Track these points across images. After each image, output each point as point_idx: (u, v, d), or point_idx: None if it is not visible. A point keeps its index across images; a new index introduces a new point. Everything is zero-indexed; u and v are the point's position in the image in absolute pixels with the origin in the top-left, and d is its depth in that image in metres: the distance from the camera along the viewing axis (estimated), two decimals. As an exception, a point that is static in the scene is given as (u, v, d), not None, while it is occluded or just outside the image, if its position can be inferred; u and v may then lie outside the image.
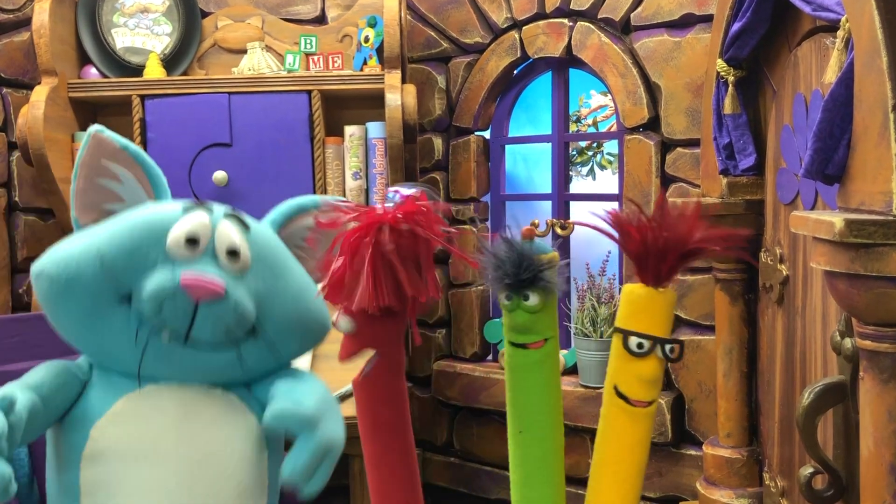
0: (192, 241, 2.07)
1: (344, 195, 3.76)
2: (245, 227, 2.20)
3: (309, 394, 2.14)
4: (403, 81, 3.73)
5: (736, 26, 2.69)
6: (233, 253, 2.12)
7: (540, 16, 3.80)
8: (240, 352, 2.14)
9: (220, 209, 2.19)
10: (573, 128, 5.02)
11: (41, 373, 2.10)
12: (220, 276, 2.06)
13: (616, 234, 2.10)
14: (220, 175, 3.63)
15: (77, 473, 2.07)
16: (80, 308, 2.06)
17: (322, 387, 2.23)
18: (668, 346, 2.02)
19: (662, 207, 2.02)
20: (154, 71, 3.78)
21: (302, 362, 2.80)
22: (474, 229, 4.06)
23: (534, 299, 1.98)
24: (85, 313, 2.07)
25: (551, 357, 2.09)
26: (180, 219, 2.10)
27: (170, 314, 2.02)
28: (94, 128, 2.17)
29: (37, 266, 2.09)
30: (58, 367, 2.13)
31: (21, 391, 1.98)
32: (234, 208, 2.24)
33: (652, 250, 2.02)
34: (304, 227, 2.40)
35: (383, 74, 3.69)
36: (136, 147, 2.21)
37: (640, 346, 2.02)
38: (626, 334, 2.05)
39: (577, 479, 3.68)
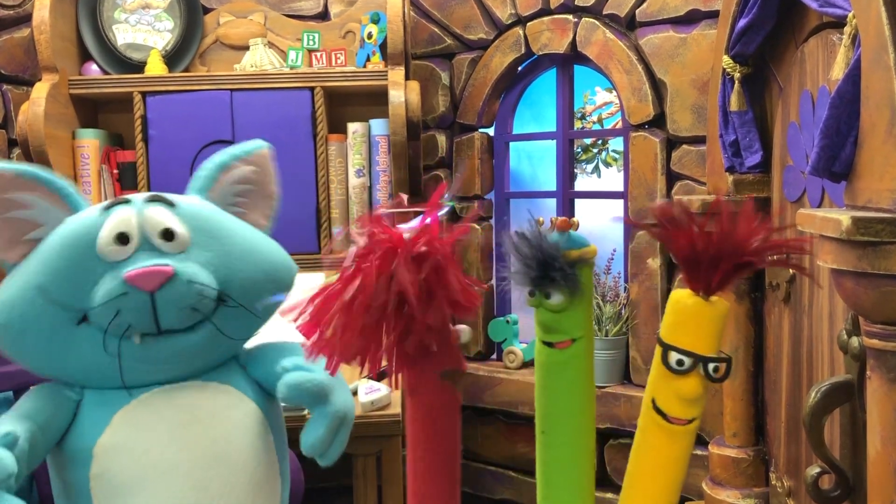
0: (121, 239, 2.05)
1: (347, 193, 3.76)
2: (170, 205, 2.17)
3: (318, 365, 2.14)
4: (407, 78, 3.73)
5: (742, 22, 2.69)
6: (167, 234, 2.10)
7: (544, 12, 3.80)
8: (215, 324, 2.14)
9: (139, 198, 2.17)
10: (578, 125, 5.03)
11: (34, 400, 2.10)
12: (164, 260, 2.05)
13: (663, 235, 1.92)
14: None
15: (88, 496, 2.07)
16: (42, 345, 2.06)
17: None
18: (711, 365, 1.85)
19: (719, 207, 1.88)
20: (155, 67, 3.78)
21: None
22: (478, 227, 4.06)
23: (556, 298, 1.88)
24: (48, 347, 2.06)
25: (579, 358, 2.00)
26: (103, 222, 2.08)
27: (129, 314, 2.01)
28: None
29: None
30: (50, 390, 2.14)
31: (18, 423, 1.98)
32: (156, 192, 2.22)
33: (703, 257, 1.83)
34: (230, 184, 2.36)
35: (387, 71, 3.69)
36: (30, 168, 2.11)
37: (679, 363, 1.87)
38: (666, 348, 1.90)
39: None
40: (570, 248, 1.88)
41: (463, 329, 1.82)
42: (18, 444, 1.90)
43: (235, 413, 2.19)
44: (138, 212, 2.10)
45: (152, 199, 2.16)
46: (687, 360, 1.85)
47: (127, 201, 2.14)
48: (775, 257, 1.88)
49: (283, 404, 2.34)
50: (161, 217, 2.11)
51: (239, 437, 2.16)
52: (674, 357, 1.87)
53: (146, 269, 2.00)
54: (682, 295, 1.90)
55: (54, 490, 2.19)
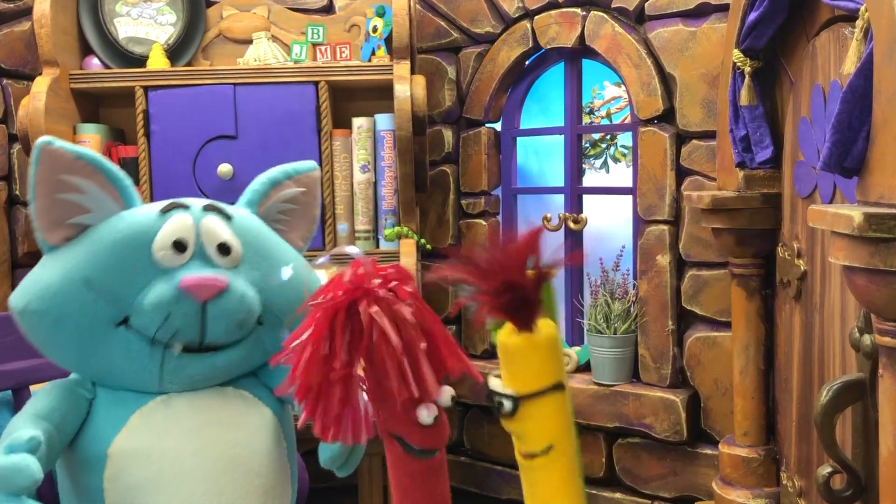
0: (179, 246, 2.08)
1: (352, 188, 3.77)
2: (227, 217, 2.21)
3: None
4: (413, 72, 3.74)
5: (752, 16, 2.70)
6: (223, 248, 2.14)
7: (552, 5, 3.80)
8: (258, 340, 2.18)
9: (197, 205, 2.19)
10: (586, 120, 5.02)
11: (48, 399, 2.09)
12: (217, 272, 2.08)
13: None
14: (225, 168, 3.64)
15: (102, 499, 2.07)
16: (76, 340, 2.06)
17: None
18: (496, 399, 1.67)
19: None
20: (158, 61, 3.79)
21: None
22: (485, 223, 4.07)
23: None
24: (81, 344, 2.07)
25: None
26: (161, 225, 2.09)
27: (178, 321, 2.03)
28: (42, 140, 2.05)
29: (18, 302, 2.07)
30: (63, 389, 2.13)
31: (37, 425, 1.98)
32: (212, 201, 2.24)
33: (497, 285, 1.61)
34: (278, 202, 2.41)
35: (392, 65, 3.69)
36: (91, 153, 2.11)
37: (500, 404, 1.67)
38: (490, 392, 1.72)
39: (591, 479, 3.70)
40: None
41: (445, 391, 1.75)
42: (41, 448, 1.91)
43: (252, 418, 2.20)
44: (196, 220, 2.14)
45: (209, 209, 2.19)
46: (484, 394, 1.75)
47: (185, 207, 2.17)
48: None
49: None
50: (218, 229, 2.15)
51: (255, 443, 2.17)
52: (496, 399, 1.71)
53: (203, 279, 2.03)
54: (502, 333, 1.72)
55: (62, 491, 2.19)
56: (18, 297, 2.08)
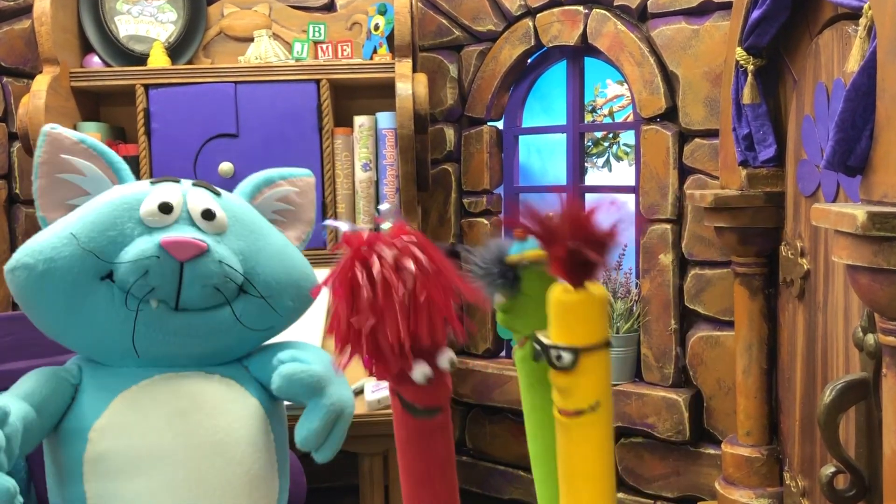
0: (165, 208, 2.14)
1: (353, 187, 3.77)
2: (215, 193, 2.29)
3: (315, 359, 2.21)
4: (414, 70, 3.74)
5: (756, 14, 2.70)
6: (207, 214, 2.19)
7: (554, 3, 3.80)
8: (233, 309, 2.20)
9: (187, 181, 2.29)
10: (588, 118, 5.03)
11: (31, 382, 2.12)
12: (201, 235, 2.13)
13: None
14: (226, 166, 3.64)
15: (81, 481, 2.08)
16: (61, 292, 2.10)
17: (325, 354, 2.30)
18: (554, 352, 1.73)
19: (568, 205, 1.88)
20: (158, 60, 3.79)
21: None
22: (487, 222, 4.07)
23: (498, 298, 1.92)
24: (66, 297, 2.10)
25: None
26: (150, 191, 2.18)
27: (156, 278, 2.07)
28: (47, 127, 2.20)
29: (10, 262, 2.13)
30: (47, 373, 2.16)
31: (13, 402, 2.00)
32: (203, 181, 2.33)
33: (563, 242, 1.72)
34: (272, 199, 2.46)
35: (394, 63, 3.69)
36: (92, 139, 2.26)
37: (535, 352, 1.80)
38: (540, 343, 1.80)
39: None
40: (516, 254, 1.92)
41: (444, 352, 1.78)
42: (9, 420, 1.91)
43: (237, 406, 2.22)
44: (184, 191, 2.22)
45: (198, 185, 2.28)
46: (537, 348, 1.82)
47: (175, 180, 2.27)
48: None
49: (286, 403, 2.36)
50: (205, 198, 2.23)
51: (239, 431, 2.18)
52: (529, 345, 1.87)
53: (183, 238, 2.09)
54: (555, 289, 1.81)
55: (47, 474, 2.21)
56: (10, 260, 2.13)
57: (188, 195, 2.21)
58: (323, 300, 3.12)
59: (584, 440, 1.72)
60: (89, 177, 2.23)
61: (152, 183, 2.24)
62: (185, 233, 2.12)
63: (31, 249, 2.10)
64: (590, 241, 1.67)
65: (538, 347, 1.75)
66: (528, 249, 1.89)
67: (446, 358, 1.80)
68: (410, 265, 1.69)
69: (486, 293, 1.93)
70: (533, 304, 1.92)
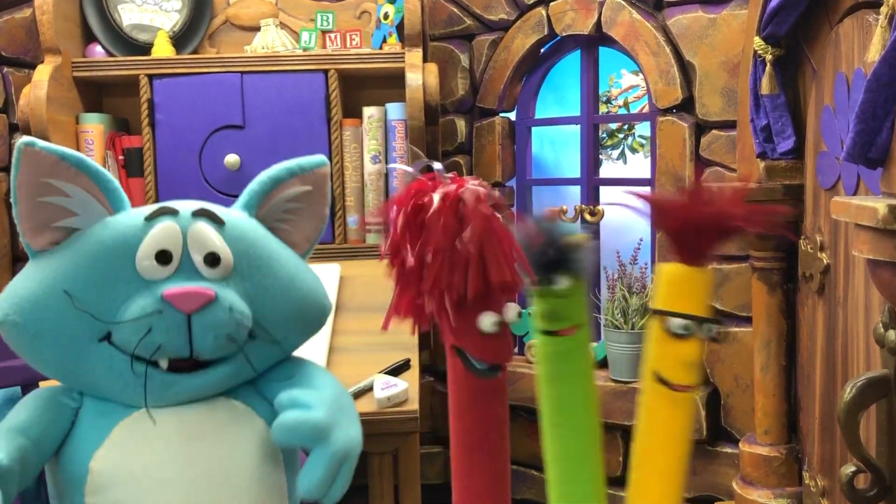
0: (162, 257, 2.01)
1: (362, 180, 3.78)
2: (219, 222, 2.11)
3: (319, 398, 2.09)
4: (425, 60, 3.74)
5: (774, 2, 2.70)
6: (211, 260, 2.05)
7: (568, -9, 3.81)
8: (246, 356, 2.10)
9: (186, 210, 2.10)
10: (603, 109, 5.03)
11: (28, 410, 2.06)
12: (204, 284, 2.00)
13: (650, 214, 2.10)
14: (232, 159, 3.65)
15: None
16: (56, 354, 2.03)
17: (334, 386, 2.21)
18: (709, 326, 2.01)
19: (699, 184, 2.03)
20: (162, 49, 3.79)
21: (318, 356, 2.80)
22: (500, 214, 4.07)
23: (562, 282, 1.95)
24: (62, 358, 2.03)
25: (583, 345, 2.07)
26: (146, 234, 2.02)
27: (161, 334, 1.95)
28: (23, 141, 1.98)
29: None
30: (45, 399, 2.10)
31: (7, 439, 1.96)
32: (203, 204, 2.14)
33: (690, 226, 2.00)
34: (282, 201, 2.29)
35: (404, 53, 3.70)
36: (75, 154, 2.03)
37: (685, 328, 2.00)
38: (668, 316, 2.03)
39: (609, 479, 3.70)
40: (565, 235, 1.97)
41: (511, 306, 1.90)
42: (4, 465, 1.87)
43: (242, 429, 2.13)
44: (183, 228, 2.05)
45: (199, 213, 2.09)
46: (691, 325, 1.99)
47: (174, 213, 2.07)
48: (757, 225, 2.03)
49: None
50: (208, 238, 2.06)
51: (243, 456, 2.11)
52: (677, 324, 2.01)
53: (187, 289, 1.96)
54: (672, 266, 2.06)
55: (50, 497, 2.18)
56: None
57: (189, 235, 2.04)
58: (332, 294, 3.13)
59: (689, 414, 2.03)
60: (75, 198, 2.04)
61: (148, 219, 2.05)
62: (186, 283, 1.99)
63: (20, 303, 2.00)
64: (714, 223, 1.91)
65: (690, 324, 1.97)
66: (570, 232, 1.97)
67: (514, 310, 1.84)
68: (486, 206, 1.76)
69: (540, 279, 1.97)
70: (583, 291, 2.03)
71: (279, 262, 2.22)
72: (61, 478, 2.09)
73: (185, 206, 2.10)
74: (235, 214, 2.21)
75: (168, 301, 1.94)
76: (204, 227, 2.07)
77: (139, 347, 1.96)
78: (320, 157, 2.34)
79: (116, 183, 2.11)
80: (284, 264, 2.23)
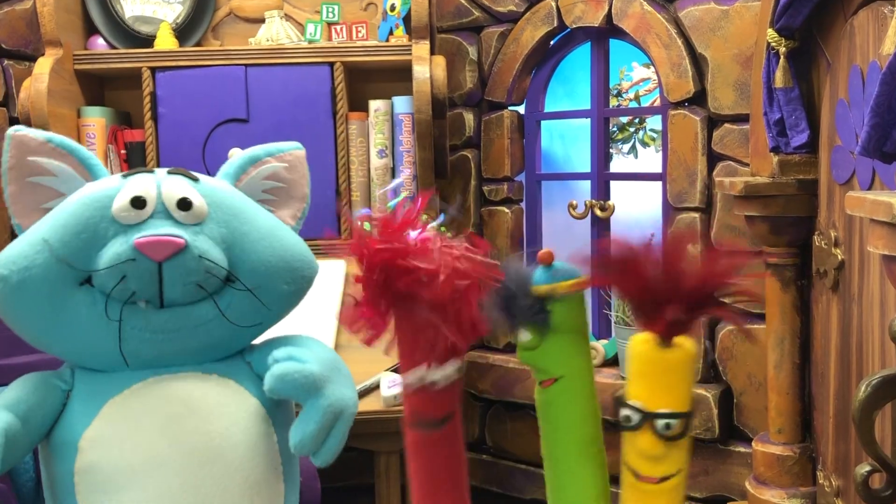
0: (137, 202, 2.09)
1: (369, 174, 3.79)
2: (193, 179, 2.23)
3: (312, 356, 2.15)
4: (432, 53, 3.74)
5: (788, -7, 2.70)
6: (184, 203, 2.13)
7: (578, -18, 3.81)
8: (216, 303, 2.14)
9: (162, 170, 2.23)
10: (614, 102, 5.03)
11: (18, 389, 2.10)
12: (177, 230, 2.08)
13: (600, 276, 1.90)
14: (235, 153, 3.65)
15: (73, 493, 2.05)
16: (40, 302, 2.07)
17: (329, 351, 2.27)
18: (661, 422, 1.72)
19: (671, 241, 1.87)
20: (165, 41, 3.80)
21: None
22: (508, 211, 4.07)
23: (524, 336, 1.85)
24: (45, 307, 2.07)
25: (565, 396, 1.92)
26: (122, 187, 2.12)
27: (134, 281, 2.03)
28: (12, 130, 2.16)
29: None
30: (35, 380, 2.14)
31: None
32: (179, 167, 2.27)
33: (658, 297, 1.72)
34: (259, 178, 2.40)
35: (411, 45, 3.71)
36: (61, 137, 2.20)
37: (626, 418, 1.76)
38: (616, 402, 1.80)
39: (612, 478, 3.71)
40: (546, 283, 1.83)
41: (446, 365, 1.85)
42: None
43: (235, 408, 2.17)
44: (159, 180, 2.16)
45: (174, 172, 2.22)
46: (634, 416, 1.75)
47: (149, 170, 2.21)
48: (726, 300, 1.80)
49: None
50: (181, 186, 2.16)
51: (236, 434, 2.14)
52: (621, 412, 1.77)
53: (157, 238, 2.03)
54: (638, 340, 1.79)
55: (43, 486, 2.20)
56: None
57: (162, 185, 2.15)
58: (337, 290, 3.14)
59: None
60: (60, 177, 2.18)
61: (124, 176, 2.18)
62: (160, 228, 2.07)
63: (4, 259, 2.06)
64: (693, 297, 1.68)
65: (633, 415, 1.72)
66: (558, 279, 1.82)
67: (448, 369, 1.82)
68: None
69: (505, 327, 1.88)
70: (563, 340, 1.88)
71: (257, 214, 2.29)
72: (52, 462, 2.12)
73: (162, 169, 2.24)
74: (212, 178, 2.34)
75: (139, 249, 2.02)
76: (178, 179, 2.20)
77: (114, 292, 2.04)
78: (295, 143, 2.49)
79: (98, 161, 2.26)
80: (264, 217, 2.31)
